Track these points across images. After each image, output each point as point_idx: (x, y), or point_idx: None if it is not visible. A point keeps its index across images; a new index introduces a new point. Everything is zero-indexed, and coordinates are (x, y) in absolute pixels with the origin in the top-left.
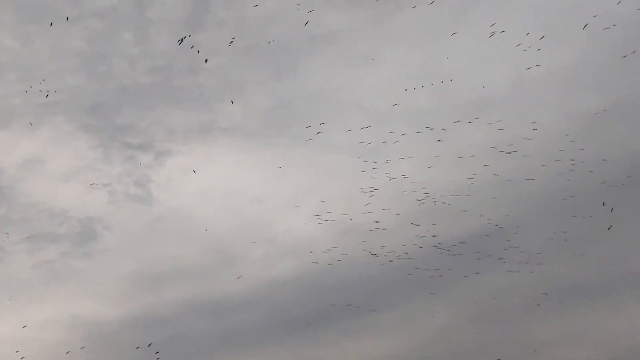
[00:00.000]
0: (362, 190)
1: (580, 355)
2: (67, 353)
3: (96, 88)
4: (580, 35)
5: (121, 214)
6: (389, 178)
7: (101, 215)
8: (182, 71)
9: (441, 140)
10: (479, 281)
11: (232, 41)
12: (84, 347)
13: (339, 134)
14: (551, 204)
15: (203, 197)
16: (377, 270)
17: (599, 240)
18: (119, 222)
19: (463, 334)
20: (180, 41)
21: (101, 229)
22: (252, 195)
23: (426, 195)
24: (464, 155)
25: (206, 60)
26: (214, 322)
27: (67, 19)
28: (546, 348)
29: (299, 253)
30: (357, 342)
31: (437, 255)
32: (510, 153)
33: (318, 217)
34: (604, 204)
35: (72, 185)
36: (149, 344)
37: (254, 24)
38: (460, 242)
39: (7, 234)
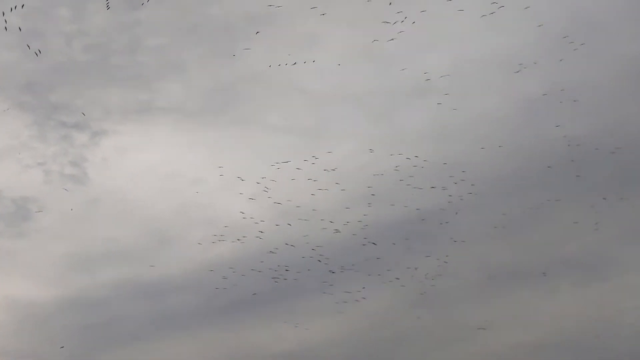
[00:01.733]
0: (301, 172)
1: (518, 337)
2: None
3: (31, 65)
4: (523, 18)
5: (56, 194)
6: (329, 160)
7: (36, 195)
8: (120, 49)
9: (382, 123)
10: (419, 265)
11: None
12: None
13: (279, 116)
14: (491, 188)
15: (140, 178)
16: (312, 255)
17: (537, 224)
18: (54, 202)
19: (403, 318)
20: (107, 3)
21: (35, 209)
22: (191, 176)
23: (366, 177)
24: (405, 139)
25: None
26: (150, 305)
27: None
28: (485, 330)
29: (236, 235)
30: (292, 326)
31: (376, 238)
32: (450, 136)
33: (257, 199)
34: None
35: (5, 164)
36: (61, 347)
37: (194, 3)
38: (400, 225)
39: None
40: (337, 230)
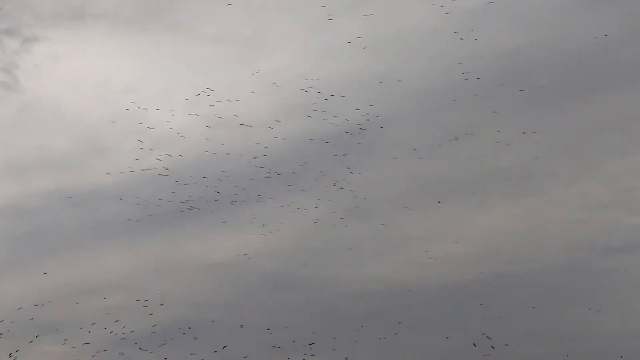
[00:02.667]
0: (237, 82)
1: (450, 249)
2: None
3: None
4: None
5: None
6: (266, 70)
7: None
8: None
9: (319, 32)
10: (352, 177)
11: None
12: None
13: (215, 25)
14: (426, 100)
15: (73, 85)
16: (248, 165)
17: (468, 136)
18: None
19: (337, 230)
20: None
21: None
22: (124, 85)
23: (303, 89)
24: (341, 49)
25: None
26: (83, 214)
27: None
28: (416, 242)
29: (171, 144)
30: (227, 236)
31: (311, 149)
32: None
33: (192, 108)
34: None
35: None
36: None
37: None
38: (336, 136)
39: None
40: (276, 138)
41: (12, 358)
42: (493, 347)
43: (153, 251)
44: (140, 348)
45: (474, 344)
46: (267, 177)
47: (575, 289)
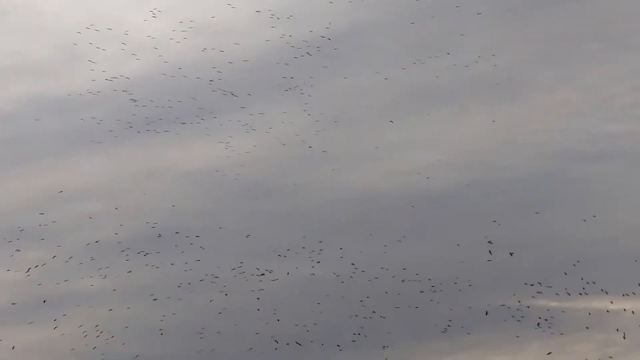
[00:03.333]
0: None
1: (430, 156)
2: None
3: None
4: None
5: None
6: None
7: None
8: None
9: None
10: (330, 85)
11: None
12: None
13: None
14: (399, 9)
15: None
16: (229, 71)
17: (447, 44)
18: None
19: (315, 138)
20: None
21: None
22: None
23: None
24: None
25: None
26: (61, 121)
27: None
28: (393, 150)
29: (149, 52)
30: (205, 144)
31: (291, 56)
32: None
33: (170, 13)
34: None
35: None
36: None
37: None
38: (316, 43)
39: None
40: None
41: None
42: (490, 252)
43: (132, 158)
44: (119, 253)
45: (489, 252)
46: (248, 94)
47: (553, 197)
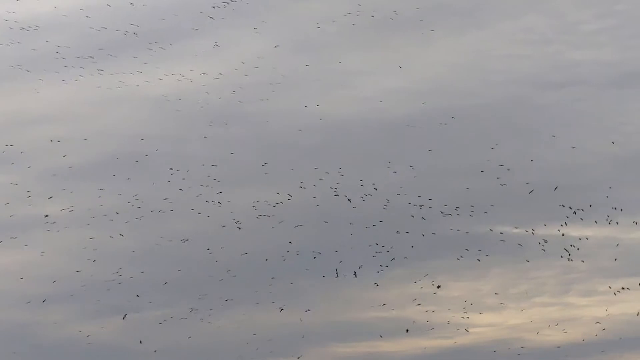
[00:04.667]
0: None
1: (394, 83)
2: None
3: None
4: None
5: None
6: None
7: None
8: None
9: None
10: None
11: None
12: None
13: None
14: None
15: None
16: None
17: None
18: None
19: (285, 65)
20: None
21: None
22: None
23: None
24: None
25: None
26: (24, 45)
27: None
28: (360, 77)
29: None
30: (169, 68)
31: None
32: None
33: None
34: None
35: None
36: None
37: None
38: None
39: None
40: None
41: None
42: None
43: (94, 83)
44: (81, 179)
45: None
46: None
47: (517, 124)
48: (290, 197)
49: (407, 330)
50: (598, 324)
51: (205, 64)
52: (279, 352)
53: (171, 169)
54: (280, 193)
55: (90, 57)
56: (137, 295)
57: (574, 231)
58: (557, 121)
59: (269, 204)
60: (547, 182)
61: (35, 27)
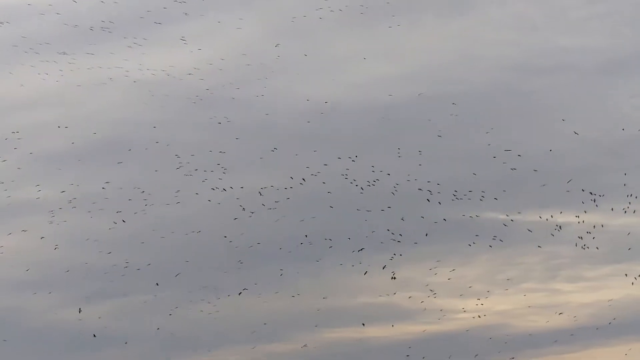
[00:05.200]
0: None
1: (384, 69)
2: None
3: None
4: None
5: None
6: None
7: None
8: None
9: None
10: None
11: None
12: None
13: None
14: None
15: None
16: None
17: None
18: None
19: (268, 49)
20: None
21: None
22: None
23: None
24: None
25: None
26: (9, 28)
27: None
28: (348, 63)
29: None
30: (156, 53)
31: None
32: None
33: None
34: None
35: None
36: None
37: None
38: None
39: None
40: None
41: None
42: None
43: (81, 67)
44: (69, 163)
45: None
46: None
47: (505, 110)
48: (303, 182)
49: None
50: None
51: (194, 49)
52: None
53: (154, 155)
54: (281, 179)
55: (78, 40)
56: (157, 284)
57: (560, 217)
58: (544, 107)
59: (273, 190)
60: (538, 168)
61: (23, 12)
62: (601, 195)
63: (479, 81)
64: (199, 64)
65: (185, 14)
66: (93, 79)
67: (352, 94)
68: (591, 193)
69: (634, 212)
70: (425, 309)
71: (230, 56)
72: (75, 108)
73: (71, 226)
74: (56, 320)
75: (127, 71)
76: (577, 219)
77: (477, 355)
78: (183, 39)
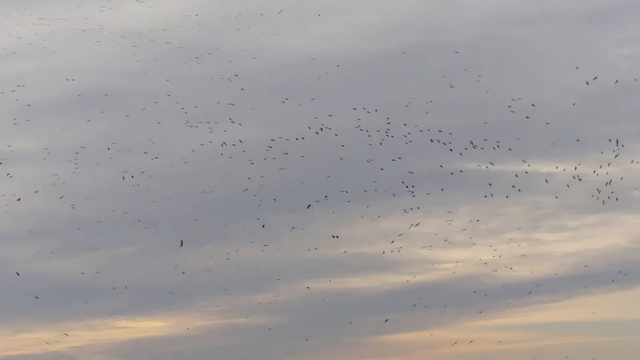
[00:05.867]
0: None
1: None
2: None
3: None
4: None
5: None
6: None
7: None
8: None
9: None
10: None
11: None
12: None
13: None
14: None
15: None
16: None
17: None
18: None
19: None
20: None
21: None
22: None
23: None
24: None
25: None
26: None
27: None
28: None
29: None
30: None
31: None
32: None
33: None
34: None
35: None
36: None
37: None
38: None
39: None
40: None
41: None
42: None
43: (66, 17)
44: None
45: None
46: None
47: (491, 59)
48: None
49: None
50: None
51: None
52: None
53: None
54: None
55: None
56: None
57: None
58: (530, 56)
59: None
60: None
61: None
62: (584, 144)
63: (464, 31)
64: (179, 16)
65: None
66: (78, 30)
67: (331, 44)
68: (577, 140)
69: (615, 156)
70: (408, 259)
71: (213, 6)
72: (54, 58)
73: (52, 176)
74: (37, 271)
75: (112, 24)
76: (557, 169)
77: (460, 304)
78: None
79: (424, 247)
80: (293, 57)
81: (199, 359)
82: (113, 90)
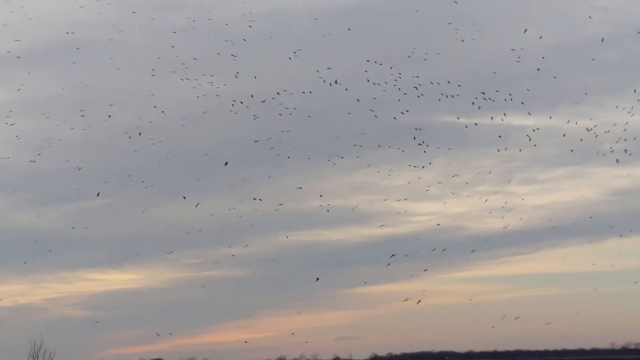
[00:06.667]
0: None
1: None
2: None
3: None
4: None
5: None
6: None
7: None
8: None
9: None
10: None
11: None
12: None
13: None
14: None
15: None
16: None
17: None
18: None
19: None
20: None
21: None
22: None
23: None
24: None
25: None
26: None
27: None
28: None
29: None
30: None
31: None
32: None
33: None
34: None
35: None
36: None
37: None
38: None
39: None
40: None
41: None
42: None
43: None
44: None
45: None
46: None
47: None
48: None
49: None
50: None
51: None
52: None
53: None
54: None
55: None
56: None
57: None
58: (504, 10)
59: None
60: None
61: None
62: (559, 97)
63: None
64: None
65: None
66: None
67: None
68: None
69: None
70: (382, 211)
71: None
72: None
73: (26, 128)
74: (14, 222)
75: None
76: (524, 122)
77: (433, 252)
78: None
79: (398, 200)
80: (264, 10)
81: (169, 311)
82: (84, 43)
